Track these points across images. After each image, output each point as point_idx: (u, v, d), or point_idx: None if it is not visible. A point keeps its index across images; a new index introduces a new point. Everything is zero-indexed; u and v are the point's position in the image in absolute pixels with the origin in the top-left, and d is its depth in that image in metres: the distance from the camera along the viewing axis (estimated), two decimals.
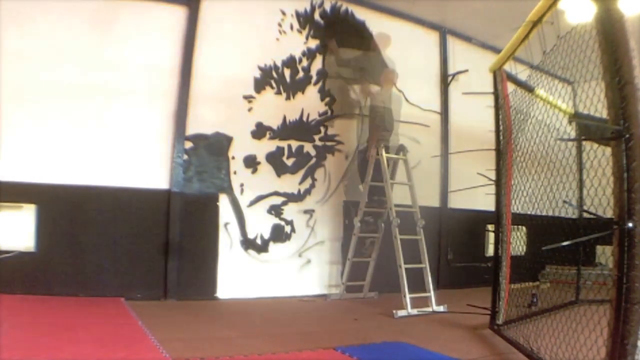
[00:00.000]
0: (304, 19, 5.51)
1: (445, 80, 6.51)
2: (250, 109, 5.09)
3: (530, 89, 3.48)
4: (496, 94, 3.74)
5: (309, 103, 5.44)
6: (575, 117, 3.33)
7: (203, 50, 4.88)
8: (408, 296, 4.35)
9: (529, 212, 3.59)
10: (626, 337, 1.70)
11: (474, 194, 5.77)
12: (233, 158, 4.97)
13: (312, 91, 5.49)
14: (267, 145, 5.16)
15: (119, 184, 4.47)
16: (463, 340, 3.27)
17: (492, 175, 3.75)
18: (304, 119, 5.40)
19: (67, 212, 4.33)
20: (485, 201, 5.69)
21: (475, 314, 4.22)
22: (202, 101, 4.84)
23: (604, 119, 1.98)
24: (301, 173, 5.35)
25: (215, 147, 4.89)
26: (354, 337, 3.25)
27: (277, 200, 5.18)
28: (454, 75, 6.48)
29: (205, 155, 4.84)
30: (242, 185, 4.99)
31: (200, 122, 4.82)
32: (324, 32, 5.61)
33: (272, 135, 5.20)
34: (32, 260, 4.14)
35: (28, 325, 3.03)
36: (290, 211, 5.24)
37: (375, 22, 5.96)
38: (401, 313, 4.23)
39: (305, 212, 5.34)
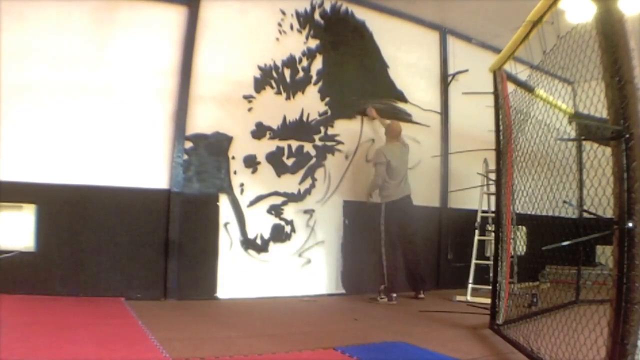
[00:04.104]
0: (304, 19, 5.51)
1: (445, 80, 6.52)
2: (250, 109, 5.09)
3: (530, 89, 3.47)
4: (496, 94, 3.73)
5: (309, 103, 5.45)
6: (575, 117, 3.33)
7: (203, 50, 4.88)
8: (470, 286, 5.20)
9: (529, 212, 3.59)
10: (626, 337, 1.70)
11: (474, 194, 5.82)
12: (233, 158, 4.97)
13: (312, 91, 5.49)
14: (267, 145, 5.16)
15: (119, 184, 4.47)
16: (463, 340, 3.26)
17: (492, 175, 3.75)
18: (304, 119, 5.40)
19: (67, 212, 4.34)
20: (485, 201, 5.72)
21: (475, 314, 4.23)
22: (202, 101, 4.84)
23: (604, 119, 1.98)
24: (301, 173, 5.35)
25: (215, 147, 4.89)
26: (354, 337, 3.25)
27: (277, 200, 5.18)
28: (454, 75, 6.48)
29: (205, 155, 4.84)
30: (242, 185, 4.99)
31: (200, 122, 4.82)
32: (323, 32, 5.61)
33: (272, 135, 5.20)
34: (32, 260, 4.14)
35: (28, 325, 3.03)
36: (290, 211, 5.24)
37: (375, 22, 5.97)
38: (460, 298, 5.12)
39: (305, 212, 5.34)
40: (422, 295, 5.25)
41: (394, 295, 4.97)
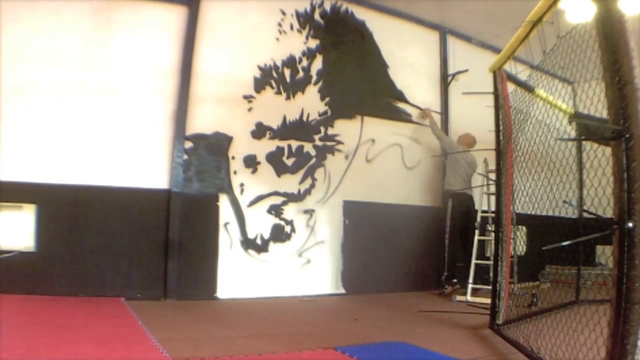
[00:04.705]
0: (304, 19, 5.51)
1: (445, 80, 6.52)
2: (250, 109, 5.09)
3: (530, 89, 3.47)
4: (496, 93, 3.73)
5: (309, 103, 5.45)
6: (575, 117, 3.33)
7: (203, 50, 4.88)
8: (470, 286, 5.17)
9: (529, 212, 3.59)
10: (626, 337, 1.70)
11: (474, 194, 5.82)
12: (233, 158, 4.97)
13: (312, 91, 5.49)
14: (267, 145, 5.16)
15: (119, 184, 4.47)
16: (463, 340, 3.26)
17: (492, 175, 3.75)
18: (304, 119, 5.40)
19: (67, 212, 4.33)
20: (485, 201, 5.72)
21: (476, 314, 4.23)
22: (202, 101, 4.84)
23: (604, 119, 1.98)
24: (301, 173, 5.35)
25: (215, 147, 4.89)
26: (354, 337, 3.25)
27: (277, 200, 5.18)
28: (454, 75, 6.48)
29: (205, 155, 4.84)
30: (242, 185, 4.99)
31: (200, 122, 4.82)
32: (324, 32, 5.62)
33: (272, 135, 5.20)
34: (32, 260, 4.14)
35: (28, 325, 3.03)
36: (290, 211, 5.24)
37: (375, 22, 5.97)
38: (460, 298, 5.13)
39: (305, 212, 5.34)
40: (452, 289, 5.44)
41: (454, 280, 5.41)
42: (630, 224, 1.73)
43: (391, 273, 5.79)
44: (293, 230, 5.24)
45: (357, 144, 5.74)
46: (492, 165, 4.56)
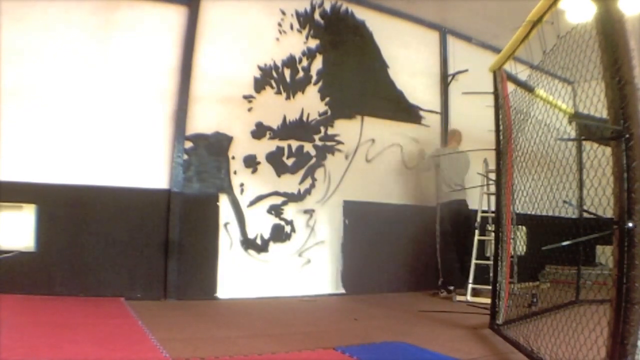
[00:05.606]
0: (304, 19, 5.51)
1: (445, 80, 6.52)
2: (250, 109, 5.10)
3: (530, 89, 3.47)
4: (496, 93, 3.73)
5: (309, 103, 5.45)
6: (575, 117, 3.32)
7: (203, 50, 4.88)
8: (470, 286, 5.15)
9: (529, 212, 3.59)
10: (626, 337, 1.70)
11: (474, 194, 5.82)
12: (233, 158, 4.97)
13: (312, 91, 5.49)
14: (267, 145, 5.17)
15: (119, 184, 4.47)
16: (463, 340, 3.26)
17: (492, 175, 3.75)
18: (304, 119, 5.40)
19: (67, 212, 4.34)
20: (485, 201, 5.72)
21: (476, 314, 4.23)
22: (202, 101, 4.84)
23: (604, 119, 1.98)
24: (301, 173, 5.35)
25: (215, 147, 4.89)
26: (354, 337, 3.25)
27: (277, 200, 5.18)
28: (454, 75, 6.49)
29: (205, 155, 4.84)
30: (242, 185, 4.99)
31: (200, 122, 4.82)
32: (324, 32, 5.62)
33: (272, 135, 5.20)
34: (32, 260, 4.14)
35: (28, 325, 3.03)
36: (290, 211, 5.24)
37: (375, 22, 5.97)
38: (460, 298, 5.11)
39: (305, 212, 5.34)
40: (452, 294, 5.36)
41: (451, 287, 5.36)
42: (630, 224, 1.73)
43: (391, 273, 5.79)
44: (293, 230, 5.24)
45: (357, 144, 5.74)
46: (492, 165, 4.55)
